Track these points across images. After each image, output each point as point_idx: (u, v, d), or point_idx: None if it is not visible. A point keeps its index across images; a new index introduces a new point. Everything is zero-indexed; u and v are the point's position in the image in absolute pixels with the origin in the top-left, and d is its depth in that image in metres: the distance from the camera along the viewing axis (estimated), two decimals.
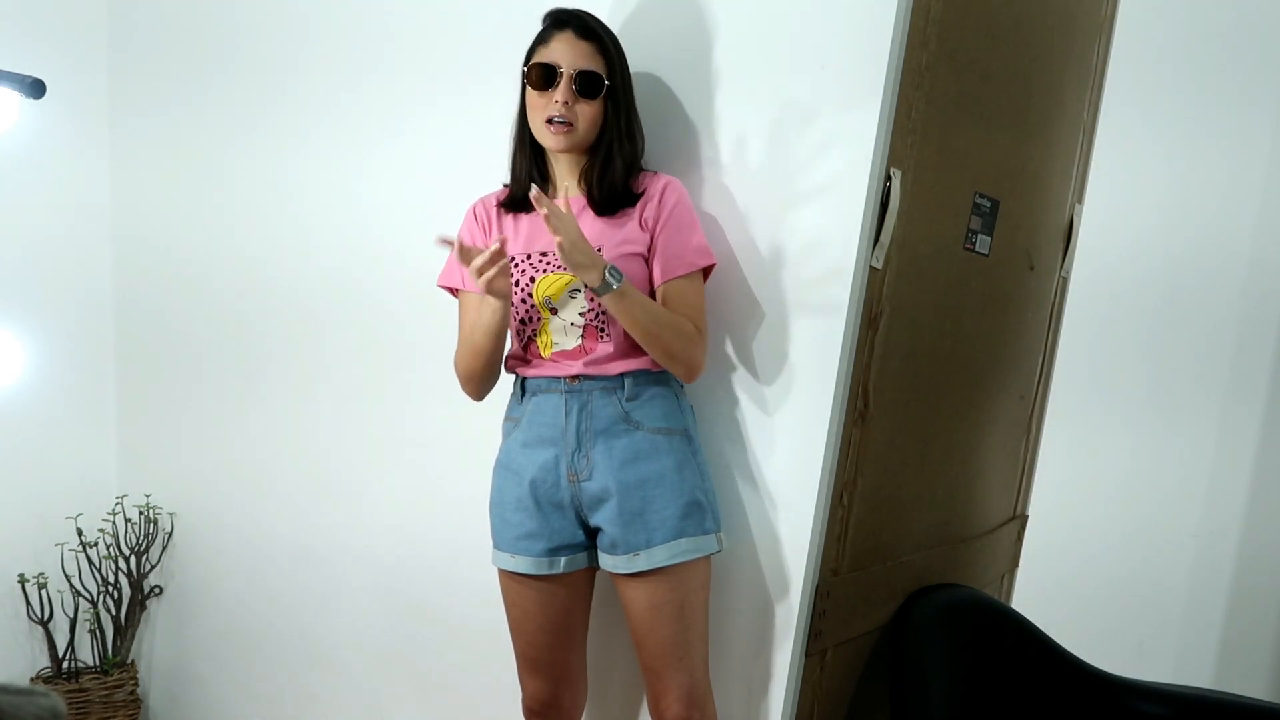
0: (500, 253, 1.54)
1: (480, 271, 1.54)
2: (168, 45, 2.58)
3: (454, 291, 1.78)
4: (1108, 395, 2.65)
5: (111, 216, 2.72)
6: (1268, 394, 2.51)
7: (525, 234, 1.70)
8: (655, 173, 1.72)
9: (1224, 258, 2.55)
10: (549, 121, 1.63)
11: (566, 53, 1.62)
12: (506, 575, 1.75)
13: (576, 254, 1.53)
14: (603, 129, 1.66)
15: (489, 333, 1.66)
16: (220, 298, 2.54)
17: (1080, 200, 2.25)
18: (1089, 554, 2.67)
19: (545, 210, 1.49)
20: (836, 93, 1.61)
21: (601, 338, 1.67)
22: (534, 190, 1.50)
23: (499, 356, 1.71)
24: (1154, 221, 2.59)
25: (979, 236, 1.87)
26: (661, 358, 1.64)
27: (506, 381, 1.78)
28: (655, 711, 1.69)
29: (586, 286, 1.60)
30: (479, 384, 1.74)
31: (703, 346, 1.67)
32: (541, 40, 1.66)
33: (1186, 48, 2.54)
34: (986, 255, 1.91)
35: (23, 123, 2.47)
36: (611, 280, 1.56)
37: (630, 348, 1.67)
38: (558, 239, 1.51)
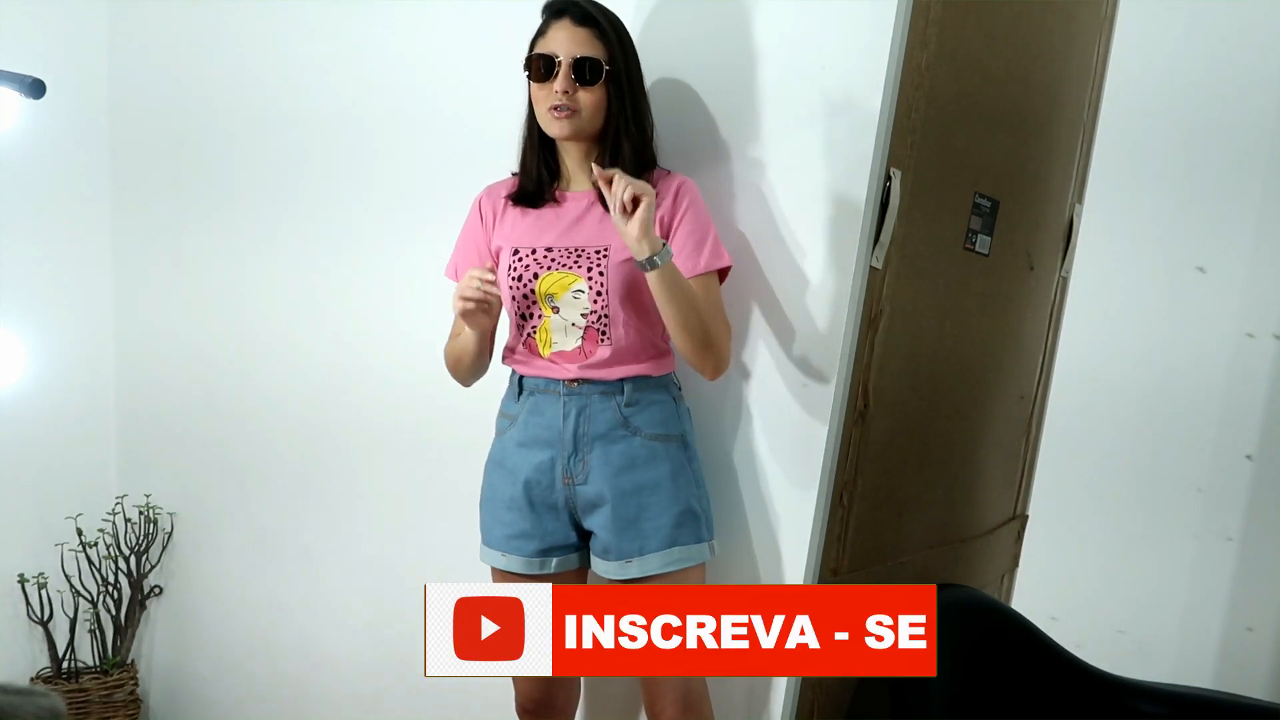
0: (489, 286, 1.58)
1: (470, 298, 1.57)
2: (168, 45, 2.58)
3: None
4: (1108, 395, 2.65)
5: (111, 216, 2.72)
6: (1268, 394, 2.51)
7: (532, 228, 1.68)
8: (669, 172, 1.69)
9: (1224, 260, 2.55)
10: (551, 109, 1.62)
11: (564, 41, 1.61)
12: (498, 573, 1.75)
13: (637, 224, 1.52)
14: (608, 115, 1.64)
15: (468, 348, 1.71)
16: (220, 296, 2.54)
17: (1080, 200, 2.25)
18: (1089, 554, 2.67)
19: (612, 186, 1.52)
20: (836, 93, 1.61)
21: (602, 340, 1.65)
22: (596, 170, 1.54)
23: (485, 361, 1.75)
24: (1155, 219, 2.59)
25: (979, 236, 1.87)
26: (694, 348, 1.60)
27: (502, 377, 1.77)
28: (651, 715, 1.69)
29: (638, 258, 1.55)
30: (465, 376, 1.78)
31: (730, 343, 1.66)
32: (540, 32, 1.65)
33: (1187, 46, 2.53)
34: (986, 255, 1.91)
35: (23, 123, 2.47)
36: (659, 259, 1.53)
37: (631, 353, 1.65)
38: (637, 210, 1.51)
